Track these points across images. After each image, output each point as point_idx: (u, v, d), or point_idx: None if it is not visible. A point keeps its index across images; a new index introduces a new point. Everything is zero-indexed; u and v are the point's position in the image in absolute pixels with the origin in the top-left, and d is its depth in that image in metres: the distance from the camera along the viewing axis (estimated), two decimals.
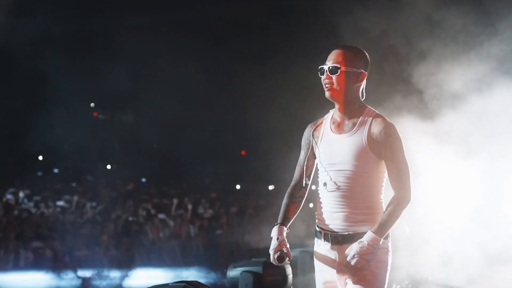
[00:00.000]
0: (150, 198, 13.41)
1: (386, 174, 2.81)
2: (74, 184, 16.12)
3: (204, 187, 16.36)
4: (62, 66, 24.85)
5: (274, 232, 2.80)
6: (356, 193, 2.77)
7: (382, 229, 2.67)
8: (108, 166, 23.30)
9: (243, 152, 26.98)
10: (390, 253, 2.79)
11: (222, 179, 19.20)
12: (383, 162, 2.77)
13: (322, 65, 2.85)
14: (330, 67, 2.80)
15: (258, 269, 4.02)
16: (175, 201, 11.22)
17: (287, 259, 2.76)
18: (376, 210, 2.78)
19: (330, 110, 2.95)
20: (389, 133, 2.75)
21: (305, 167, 2.95)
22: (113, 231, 10.19)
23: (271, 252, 2.78)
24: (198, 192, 14.56)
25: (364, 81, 2.84)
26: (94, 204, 12.46)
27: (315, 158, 2.93)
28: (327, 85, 2.81)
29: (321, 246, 2.83)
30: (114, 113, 32.31)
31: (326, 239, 2.80)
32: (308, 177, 2.94)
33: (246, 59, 20.39)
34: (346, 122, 2.84)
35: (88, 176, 18.86)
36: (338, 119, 2.87)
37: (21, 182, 15.36)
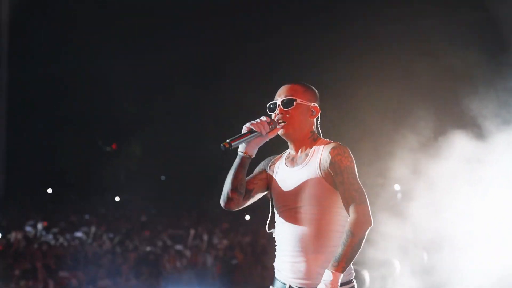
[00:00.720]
0: (164, 229, 13.77)
1: None
2: (87, 216, 16.46)
3: (215, 218, 16.71)
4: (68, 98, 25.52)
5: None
6: (318, 235, 2.49)
7: (340, 263, 2.38)
8: (117, 198, 23.66)
9: None
10: None
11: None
12: None
13: (271, 101, 2.69)
14: (284, 100, 2.63)
15: None
16: (192, 231, 11.57)
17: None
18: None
19: (287, 150, 2.77)
20: (338, 152, 2.52)
21: (248, 181, 2.71)
22: (133, 261, 10.54)
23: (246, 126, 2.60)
24: (210, 223, 14.91)
25: (319, 116, 2.70)
26: (110, 235, 12.81)
27: (261, 188, 2.72)
28: (280, 121, 2.64)
29: None
30: (120, 144, 32.79)
31: None
32: (242, 190, 2.65)
33: (248, 81, 20.84)
34: (299, 155, 2.66)
35: (100, 208, 19.23)
36: (292, 154, 2.70)
37: (37, 214, 15.73)
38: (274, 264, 2.62)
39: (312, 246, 2.48)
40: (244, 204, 2.68)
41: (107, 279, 9.85)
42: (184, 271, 11.10)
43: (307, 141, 2.65)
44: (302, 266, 2.49)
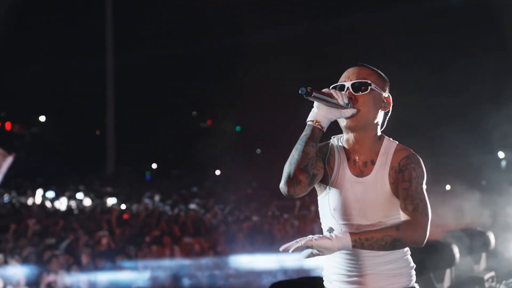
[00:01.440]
0: (269, 200, 14.45)
1: None
2: (195, 189, 17.47)
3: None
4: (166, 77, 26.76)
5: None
6: (381, 255, 2.19)
7: (362, 235, 2.07)
8: (217, 172, 24.69)
9: None
10: None
11: None
12: None
13: (337, 83, 2.27)
14: (356, 83, 2.21)
15: None
16: (298, 203, 12.15)
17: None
18: (402, 266, 2.26)
19: (333, 137, 2.37)
20: (411, 161, 2.18)
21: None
22: (246, 230, 11.27)
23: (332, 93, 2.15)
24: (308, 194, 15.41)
25: (390, 109, 2.30)
26: (221, 206, 13.65)
27: (321, 176, 2.25)
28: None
29: None
30: (215, 120, 33.95)
31: None
32: (311, 171, 2.15)
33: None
34: (364, 159, 2.25)
35: (204, 181, 20.26)
36: (353, 154, 2.27)
37: (149, 188, 16.93)
38: (323, 272, 2.34)
39: (372, 267, 2.21)
40: (307, 191, 2.19)
41: (225, 245, 10.63)
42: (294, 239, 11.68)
43: (373, 140, 2.26)
44: (357, 281, 2.23)
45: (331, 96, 2.13)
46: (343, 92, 2.17)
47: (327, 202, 2.25)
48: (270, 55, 24.08)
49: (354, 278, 2.23)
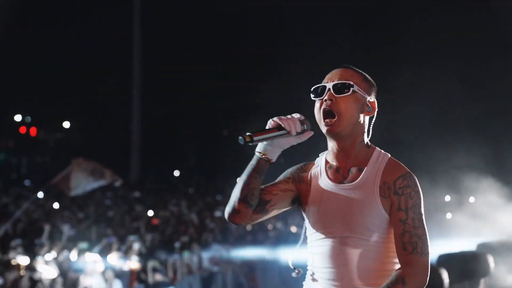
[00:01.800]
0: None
1: None
2: (219, 197, 17.65)
3: None
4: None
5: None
6: (364, 271, 2.02)
7: None
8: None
9: None
10: None
11: None
12: None
13: (318, 84, 2.14)
14: (338, 84, 2.08)
15: None
16: None
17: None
18: None
19: (321, 154, 2.22)
20: (407, 183, 2.02)
21: (265, 190, 2.12)
22: (274, 237, 11.45)
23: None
24: None
25: (374, 115, 2.16)
26: None
27: (281, 201, 2.14)
28: (327, 109, 2.08)
29: None
30: (235, 128, 34.18)
31: None
32: (253, 201, 2.07)
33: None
34: (349, 166, 2.10)
35: (227, 189, 20.41)
36: (336, 163, 2.13)
37: (172, 195, 17.17)
38: (305, 281, 2.17)
39: (357, 285, 2.03)
40: (255, 219, 2.11)
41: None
42: None
43: (359, 147, 2.11)
44: None
45: (279, 128, 2.02)
46: (295, 117, 2.06)
47: (308, 219, 2.12)
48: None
49: None
